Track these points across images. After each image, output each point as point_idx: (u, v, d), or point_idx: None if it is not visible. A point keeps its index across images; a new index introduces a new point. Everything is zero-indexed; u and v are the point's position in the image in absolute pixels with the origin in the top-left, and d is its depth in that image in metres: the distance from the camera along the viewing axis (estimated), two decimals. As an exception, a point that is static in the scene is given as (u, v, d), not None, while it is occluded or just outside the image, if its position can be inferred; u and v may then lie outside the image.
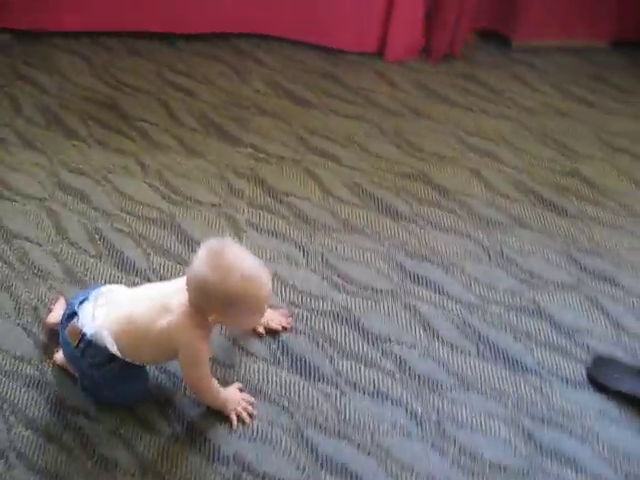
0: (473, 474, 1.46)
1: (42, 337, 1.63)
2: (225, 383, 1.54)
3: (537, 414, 1.55)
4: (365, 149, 2.10)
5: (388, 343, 1.66)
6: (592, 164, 2.09)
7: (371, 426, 1.52)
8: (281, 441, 1.49)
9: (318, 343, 1.65)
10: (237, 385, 1.56)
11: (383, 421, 1.53)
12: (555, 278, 1.80)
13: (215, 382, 1.50)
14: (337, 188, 1.99)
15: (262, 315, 1.49)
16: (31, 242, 1.83)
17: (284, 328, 1.66)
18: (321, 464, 1.46)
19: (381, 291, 1.76)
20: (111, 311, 1.45)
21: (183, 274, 1.48)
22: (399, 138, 2.14)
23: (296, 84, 2.30)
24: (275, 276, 1.76)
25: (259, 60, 2.37)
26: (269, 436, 1.50)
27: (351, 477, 1.44)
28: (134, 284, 1.70)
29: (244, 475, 1.44)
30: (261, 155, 2.07)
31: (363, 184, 2.01)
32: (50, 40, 2.41)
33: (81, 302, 1.48)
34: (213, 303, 1.38)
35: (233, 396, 1.52)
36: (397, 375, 1.60)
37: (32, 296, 1.71)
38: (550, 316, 1.72)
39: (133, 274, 1.76)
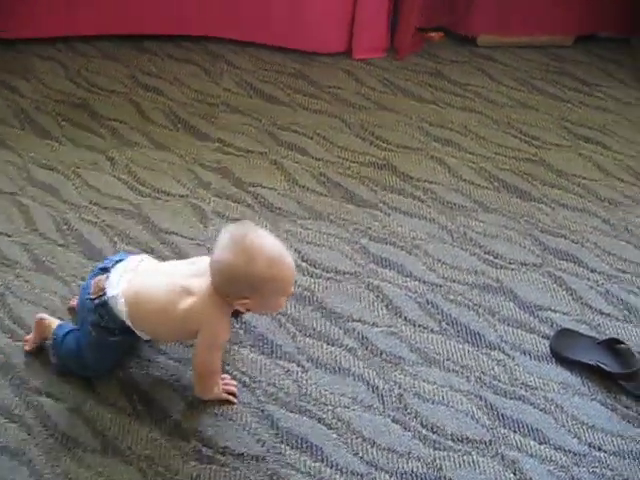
0: (435, 446, 1.46)
1: (7, 322, 1.64)
2: (187, 361, 1.55)
3: (500, 387, 1.55)
4: (331, 141, 2.13)
5: (350, 322, 1.67)
6: (557, 152, 2.12)
7: (332, 401, 1.52)
8: (242, 416, 1.49)
9: (280, 322, 1.66)
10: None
11: (344, 396, 1.53)
12: (519, 258, 1.81)
13: (217, 380, 1.50)
14: (303, 178, 2.02)
15: (288, 297, 1.47)
16: (0, 233, 1.85)
17: (247, 310, 1.66)
18: (282, 438, 1.46)
19: (344, 273, 1.77)
20: (134, 281, 1.45)
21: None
22: (364, 131, 2.17)
23: (266, 83, 2.34)
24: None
25: (230, 62, 2.41)
26: (230, 412, 1.50)
27: (312, 450, 1.44)
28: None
29: (204, 450, 1.44)
30: (229, 149, 2.10)
31: (328, 174, 2.03)
32: (28, 47, 2.45)
33: (117, 262, 1.50)
34: (240, 289, 1.37)
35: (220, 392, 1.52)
36: (359, 352, 1.61)
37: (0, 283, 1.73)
38: (514, 294, 1.73)
39: (99, 262, 1.77)
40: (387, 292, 1.73)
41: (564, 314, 1.69)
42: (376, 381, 1.55)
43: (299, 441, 1.45)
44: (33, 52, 2.45)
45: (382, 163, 2.07)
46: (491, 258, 1.81)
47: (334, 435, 1.47)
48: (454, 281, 1.75)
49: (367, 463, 1.43)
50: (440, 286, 1.74)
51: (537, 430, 1.48)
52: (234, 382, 1.54)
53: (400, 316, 1.68)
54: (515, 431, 1.48)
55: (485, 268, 1.79)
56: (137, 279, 1.47)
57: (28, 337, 1.60)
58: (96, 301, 1.46)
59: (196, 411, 1.49)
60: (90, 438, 1.45)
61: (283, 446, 1.44)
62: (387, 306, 1.70)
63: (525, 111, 2.25)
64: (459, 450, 1.45)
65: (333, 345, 1.62)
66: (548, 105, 2.28)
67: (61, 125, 2.19)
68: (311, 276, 1.76)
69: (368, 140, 2.14)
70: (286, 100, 2.28)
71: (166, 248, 1.81)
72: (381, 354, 1.60)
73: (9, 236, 1.84)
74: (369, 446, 1.45)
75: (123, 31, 2.45)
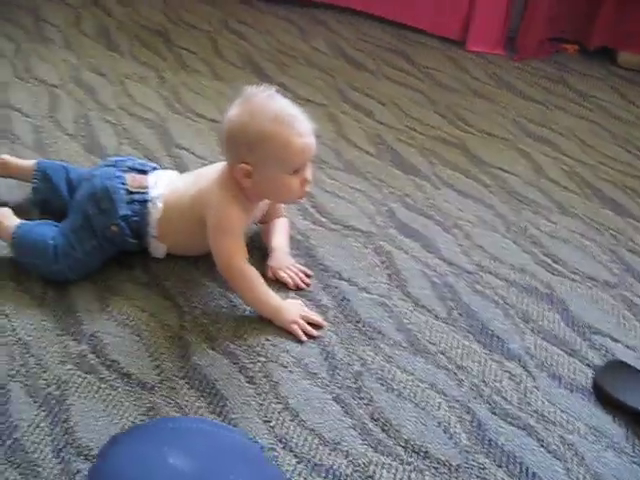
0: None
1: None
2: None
3: (500, 406, 1.09)
4: (405, 111, 1.81)
5: (337, 279, 1.29)
6: (679, 179, 1.64)
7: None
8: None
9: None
10: (299, 302, 1.23)
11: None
12: (588, 270, 1.35)
13: (261, 282, 1.20)
14: (355, 134, 1.71)
15: (303, 182, 1.19)
16: (20, 112, 1.72)
17: (297, 287, 1.27)
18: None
19: (355, 229, 1.40)
20: (169, 190, 1.28)
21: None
22: (447, 110, 1.83)
23: (359, 51, 2.09)
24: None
25: (330, 27, 2.20)
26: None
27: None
28: (93, 164, 1.51)
29: (90, 357, 1.12)
30: (287, 94, 1.83)
31: (386, 137, 1.70)
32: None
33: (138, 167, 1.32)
34: (239, 150, 1.17)
35: (290, 306, 1.20)
36: (330, 313, 1.22)
37: None
38: (565, 306, 1.26)
39: (97, 156, 1.57)
40: (398, 261, 1.34)
41: (627, 347, 1.20)
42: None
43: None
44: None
45: (454, 142, 1.70)
46: (549, 261, 1.36)
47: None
48: (489, 272, 1.33)
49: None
50: (469, 272, 1.32)
51: (533, 475, 1.01)
52: (317, 318, 1.20)
53: (401, 288, 1.28)
54: (500, 464, 1.01)
55: (537, 270, 1.34)
56: (171, 189, 1.28)
57: None
58: (136, 195, 1.25)
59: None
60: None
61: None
62: (390, 275, 1.31)
63: (654, 135, 1.80)
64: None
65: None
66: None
67: (132, 44, 2.07)
68: (314, 223, 1.42)
69: (448, 118, 1.79)
70: (373, 68, 2.01)
71: (169, 160, 1.57)
72: (358, 323, 1.22)
73: (28, 116, 1.71)
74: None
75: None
